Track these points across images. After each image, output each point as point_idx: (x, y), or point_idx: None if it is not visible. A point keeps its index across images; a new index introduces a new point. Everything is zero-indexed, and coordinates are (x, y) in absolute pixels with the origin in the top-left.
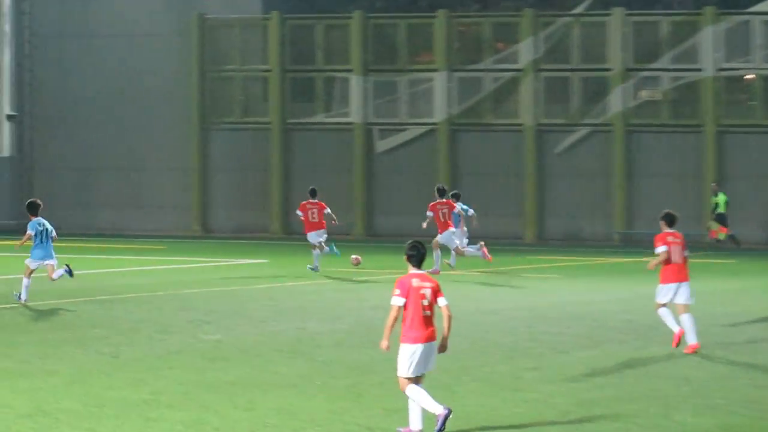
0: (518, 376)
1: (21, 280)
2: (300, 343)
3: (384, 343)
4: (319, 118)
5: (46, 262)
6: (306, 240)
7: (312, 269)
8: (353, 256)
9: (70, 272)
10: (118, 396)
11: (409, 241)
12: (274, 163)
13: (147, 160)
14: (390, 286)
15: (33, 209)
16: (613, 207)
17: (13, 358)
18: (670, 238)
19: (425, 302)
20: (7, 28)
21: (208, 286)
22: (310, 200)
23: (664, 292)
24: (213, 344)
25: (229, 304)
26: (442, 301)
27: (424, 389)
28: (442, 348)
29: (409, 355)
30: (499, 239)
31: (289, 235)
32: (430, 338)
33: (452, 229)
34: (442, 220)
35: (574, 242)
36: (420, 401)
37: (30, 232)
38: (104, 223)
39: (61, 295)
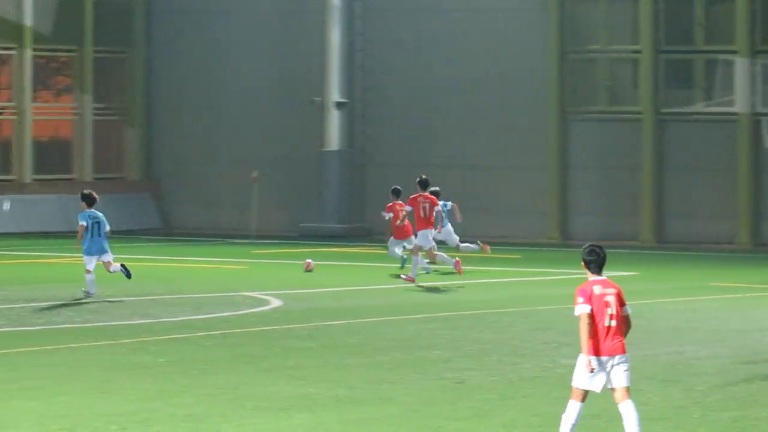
0: None
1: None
2: (675, 370)
3: (587, 362)
4: (699, 107)
5: (102, 257)
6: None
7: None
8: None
9: (127, 273)
10: (463, 428)
11: (586, 245)
12: (646, 159)
13: (492, 156)
14: None
15: (89, 201)
16: None
17: (342, 383)
18: None
19: (610, 311)
20: (337, 1)
21: (566, 303)
22: (397, 202)
23: None
24: (573, 370)
25: None
26: (626, 310)
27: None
28: None
29: (585, 365)
30: None
31: (663, 244)
32: (615, 351)
33: (432, 229)
34: (423, 216)
35: None
36: (564, 422)
37: (82, 223)
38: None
39: (392, 311)
